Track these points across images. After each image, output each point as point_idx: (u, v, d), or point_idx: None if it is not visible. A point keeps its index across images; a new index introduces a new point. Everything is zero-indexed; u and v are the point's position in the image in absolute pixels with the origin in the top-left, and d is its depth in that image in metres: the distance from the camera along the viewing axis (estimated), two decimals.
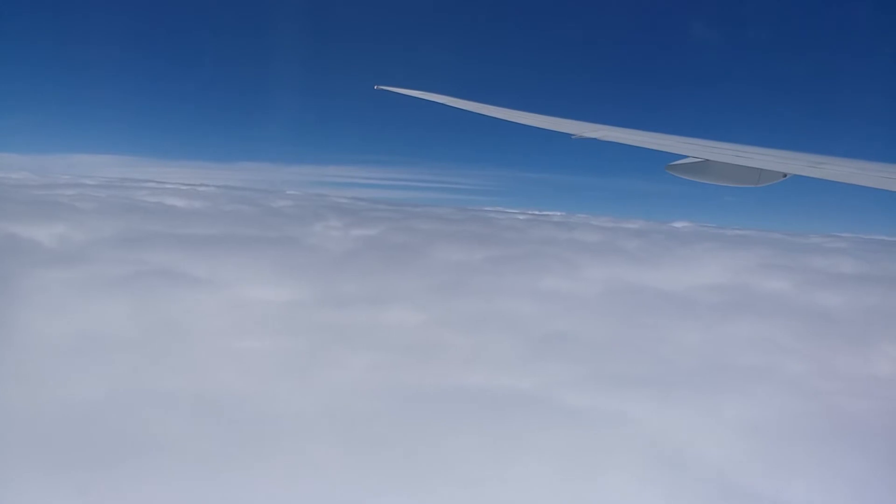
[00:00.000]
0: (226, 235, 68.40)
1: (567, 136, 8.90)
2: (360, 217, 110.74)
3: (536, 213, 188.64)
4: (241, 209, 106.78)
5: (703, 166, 8.38)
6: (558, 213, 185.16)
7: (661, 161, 8.64)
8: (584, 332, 40.87)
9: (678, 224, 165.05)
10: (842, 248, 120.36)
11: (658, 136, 8.87)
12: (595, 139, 8.61)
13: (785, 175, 7.75)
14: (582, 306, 49.07)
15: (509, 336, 39.23)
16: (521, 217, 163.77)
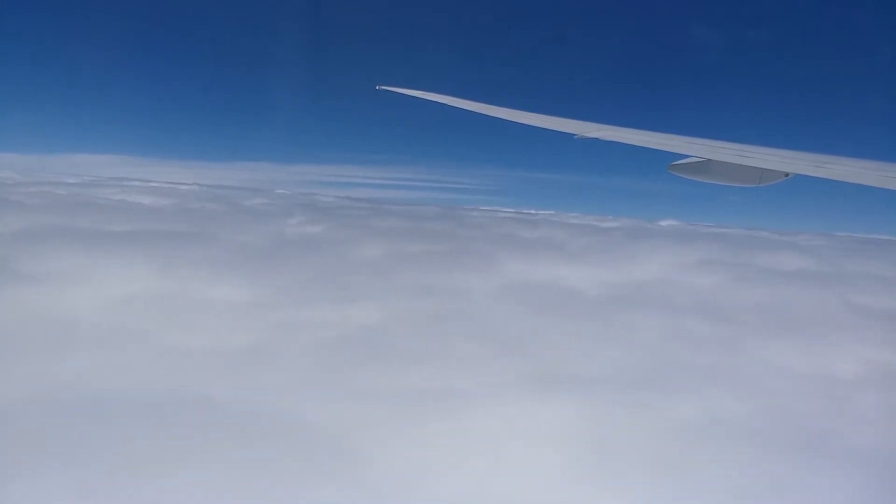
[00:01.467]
0: (147, 231, 68.41)
1: (569, 136, 8.91)
2: (326, 215, 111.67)
3: (524, 212, 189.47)
4: (207, 207, 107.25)
5: (706, 166, 8.40)
6: (548, 213, 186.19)
7: (663, 161, 8.66)
8: (454, 327, 41.34)
9: (665, 223, 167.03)
10: (815, 247, 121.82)
11: (660, 136, 8.87)
12: (597, 139, 8.61)
13: (787, 174, 7.76)
14: (468, 301, 49.62)
15: (370, 331, 39.34)
16: (503, 215, 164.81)
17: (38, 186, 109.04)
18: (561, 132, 9.10)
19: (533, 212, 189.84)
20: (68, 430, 22.69)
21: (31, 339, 32.21)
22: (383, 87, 10.82)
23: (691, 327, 46.29)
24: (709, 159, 8.20)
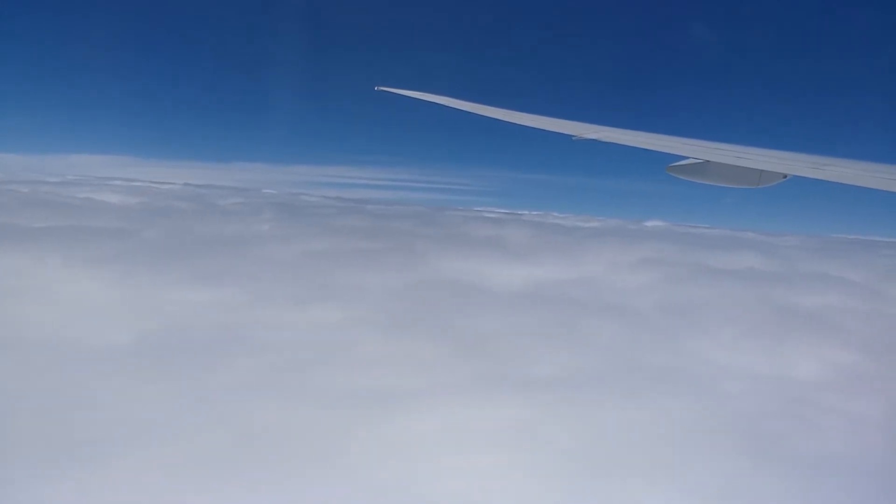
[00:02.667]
0: (68, 227, 67.67)
1: (568, 137, 8.91)
2: (293, 214, 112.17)
3: (512, 212, 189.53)
4: (174, 205, 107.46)
5: (704, 167, 8.39)
6: (537, 213, 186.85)
7: (661, 162, 8.67)
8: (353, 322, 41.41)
9: (650, 223, 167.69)
10: (789, 248, 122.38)
11: (658, 137, 8.87)
12: (596, 140, 8.61)
13: (785, 176, 7.77)
14: (365, 297, 49.65)
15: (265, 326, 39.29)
16: (487, 216, 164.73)
17: (11, 185, 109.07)
18: (559, 133, 9.11)
19: (521, 212, 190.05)
20: None
21: None
22: (382, 88, 10.82)
23: (583, 324, 46.28)
24: (707, 161, 8.20)
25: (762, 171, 7.87)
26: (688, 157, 8.41)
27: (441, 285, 55.65)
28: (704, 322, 49.60)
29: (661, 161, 8.60)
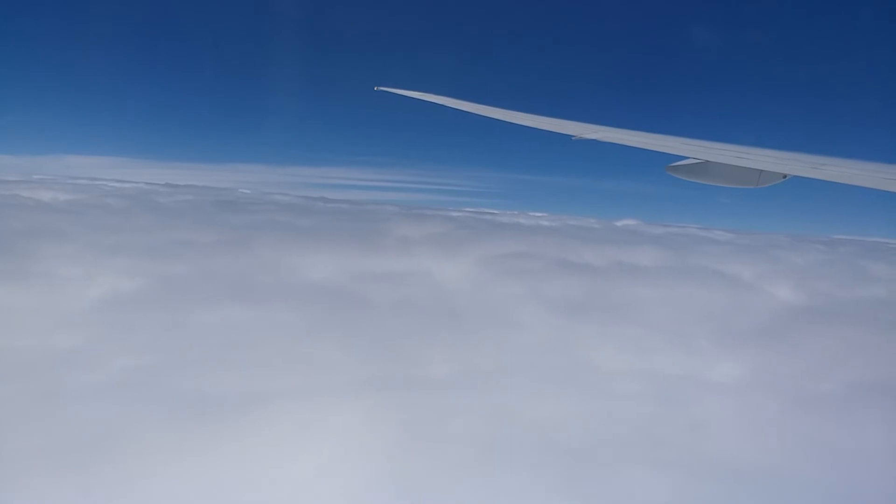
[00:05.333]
0: None
1: (567, 137, 8.91)
2: (235, 211, 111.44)
3: (487, 211, 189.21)
4: (105, 202, 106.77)
5: (703, 167, 8.39)
6: (512, 213, 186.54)
7: (661, 162, 8.67)
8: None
9: (621, 223, 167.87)
10: (741, 247, 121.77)
11: (658, 137, 8.87)
12: (595, 140, 8.62)
13: (785, 176, 7.77)
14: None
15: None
16: (455, 214, 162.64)
17: None
18: (559, 134, 9.11)
19: (494, 211, 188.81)
20: None
21: None
22: (381, 88, 10.82)
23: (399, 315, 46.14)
24: (706, 160, 8.20)
25: (762, 171, 7.87)
26: (687, 157, 8.41)
27: (230, 276, 54.99)
28: (482, 317, 49.07)
29: (660, 161, 8.62)
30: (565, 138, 8.81)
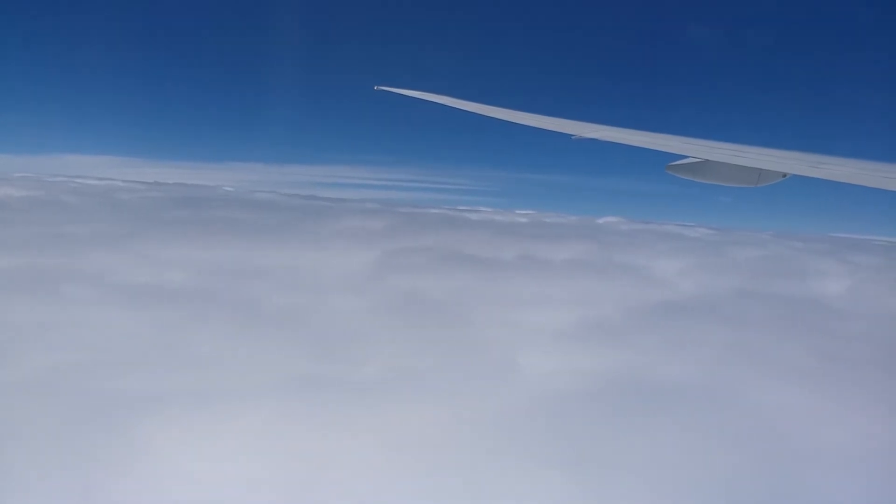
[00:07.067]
0: None
1: (567, 136, 8.93)
2: (186, 207, 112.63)
3: (459, 209, 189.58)
4: (60, 199, 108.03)
5: (703, 166, 8.42)
6: (490, 210, 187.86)
7: (661, 161, 8.69)
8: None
9: (602, 220, 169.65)
10: (708, 243, 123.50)
11: (658, 137, 8.89)
12: (595, 139, 8.64)
13: (784, 175, 7.80)
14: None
15: None
16: (433, 212, 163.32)
17: None
18: (559, 133, 9.13)
19: (485, 209, 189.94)
20: None
21: None
22: (382, 88, 10.83)
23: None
24: (706, 160, 8.23)
25: (761, 170, 7.90)
26: (687, 156, 8.44)
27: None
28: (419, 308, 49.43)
29: (660, 160, 8.64)
30: (566, 137, 8.84)
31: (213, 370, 32.90)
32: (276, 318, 44.55)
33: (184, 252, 63.69)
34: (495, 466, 25.33)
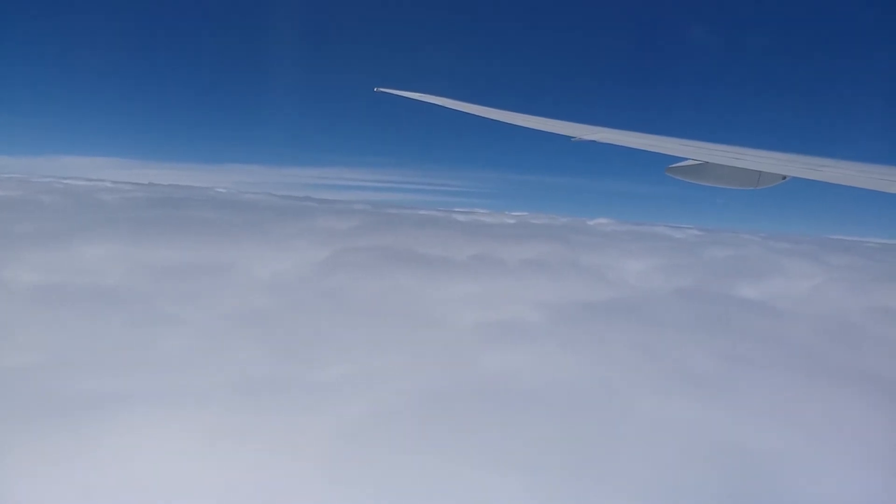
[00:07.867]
0: None
1: (567, 138, 8.92)
2: (163, 208, 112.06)
3: (444, 210, 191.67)
4: (38, 198, 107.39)
5: (703, 168, 8.42)
6: (488, 212, 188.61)
7: (661, 163, 8.69)
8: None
9: (594, 221, 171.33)
10: (692, 243, 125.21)
11: (658, 139, 8.89)
12: (595, 142, 8.63)
13: (784, 177, 7.81)
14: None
15: None
16: (420, 213, 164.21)
17: None
18: (559, 135, 9.12)
19: (478, 211, 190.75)
20: None
21: None
22: (381, 90, 10.81)
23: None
24: (706, 162, 8.23)
25: (761, 172, 7.91)
26: (687, 159, 8.44)
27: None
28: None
29: (660, 162, 8.64)
30: (566, 140, 8.83)
31: (134, 373, 32.45)
32: (177, 316, 43.75)
33: (120, 251, 62.86)
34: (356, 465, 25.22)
